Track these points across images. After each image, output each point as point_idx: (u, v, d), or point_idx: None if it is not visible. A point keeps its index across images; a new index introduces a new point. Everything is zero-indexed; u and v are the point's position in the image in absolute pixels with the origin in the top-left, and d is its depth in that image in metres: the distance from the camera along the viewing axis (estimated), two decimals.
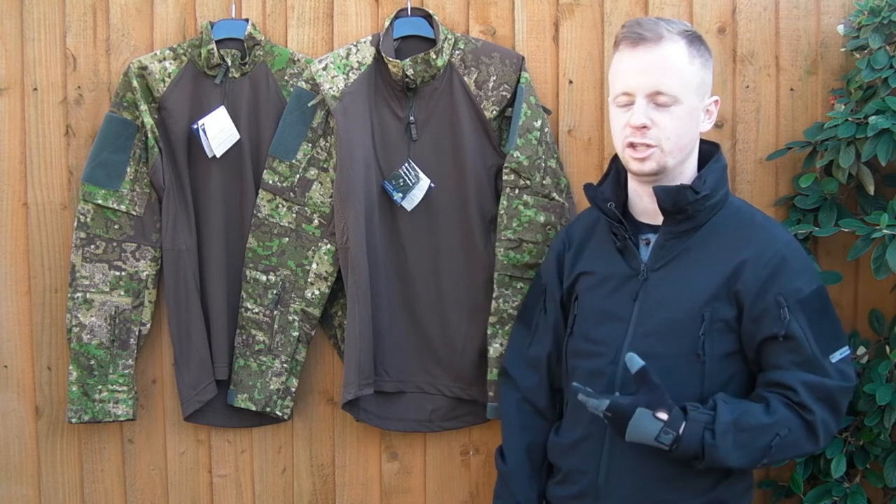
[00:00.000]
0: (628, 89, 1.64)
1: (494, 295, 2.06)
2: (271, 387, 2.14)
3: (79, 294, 2.13)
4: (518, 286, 2.06)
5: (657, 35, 1.62)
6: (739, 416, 1.58)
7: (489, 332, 2.07)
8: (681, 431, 1.56)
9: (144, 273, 2.15)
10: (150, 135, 2.11)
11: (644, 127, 1.62)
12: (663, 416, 1.57)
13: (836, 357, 1.62)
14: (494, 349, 2.07)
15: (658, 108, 1.62)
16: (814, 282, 1.65)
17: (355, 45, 2.10)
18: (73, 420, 2.13)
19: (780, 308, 1.61)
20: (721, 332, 1.64)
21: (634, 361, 1.60)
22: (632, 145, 1.65)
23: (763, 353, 1.64)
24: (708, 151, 1.74)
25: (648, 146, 1.63)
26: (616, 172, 1.79)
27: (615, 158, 1.78)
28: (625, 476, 1.68)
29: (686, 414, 1.57)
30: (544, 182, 2.07)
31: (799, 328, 1.61)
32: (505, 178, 2.06)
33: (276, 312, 2.13)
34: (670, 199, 1.64)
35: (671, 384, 1.62)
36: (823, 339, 1.62)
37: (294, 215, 2.13)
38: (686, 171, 1.70)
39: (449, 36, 2.09)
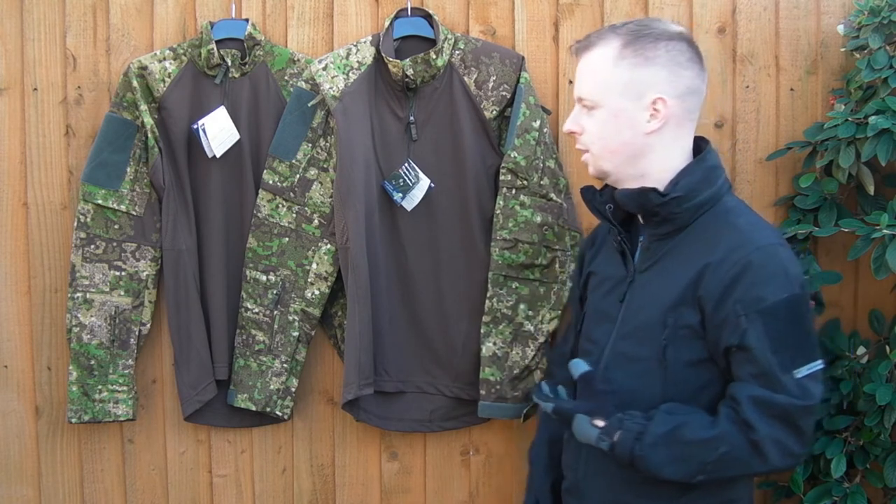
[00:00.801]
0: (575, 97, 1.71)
1: (488, 294, 2.06)
2: (271, 387, 2.14)
3: (79, 294, 2.13)
4: (513, 286, 2.06)
5: (588, 43, 1.65)
6: (676, 427, 1.53)
7: (482, 330, 2.07)
8: (615, 439, 1.54)
9: (144, 273, 2.15)
10: (150, 135, 2.11)
11: (571, 132, 1.68)
12: (600, 423, 1.56)
13: (802, 372, 1.52)
14: (487, 348, 2.07)
15: (585, 114, 1.65)
16: (783, 290, 1.53)
17: (355, 45, 2.10)
18: (73, 420, 2.13)
19: (738, 317, 1.52)
20: (687, 338, 1.58)
21: (578, 367, 1.61)
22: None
23: (728, 362, 1.57)
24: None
25: (583, 151, 1.67)
26: None
27: None
28: (597, 475, 1.69)
29: (622, 423, 1.56)
30: (542, 182, 2.07)
31: (755, 339, 1.51)
32: (502, 178, 2.06)
33: (276, 312, 2.13)
34: (633, 202, 1.62)
35: (641, 388, 1.61)
36: (787, 352, 1.52)
37: (294, 215, 2.13)
38: (651, 173, 1.64)
39: (449, 36, 2.09)
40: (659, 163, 1.64)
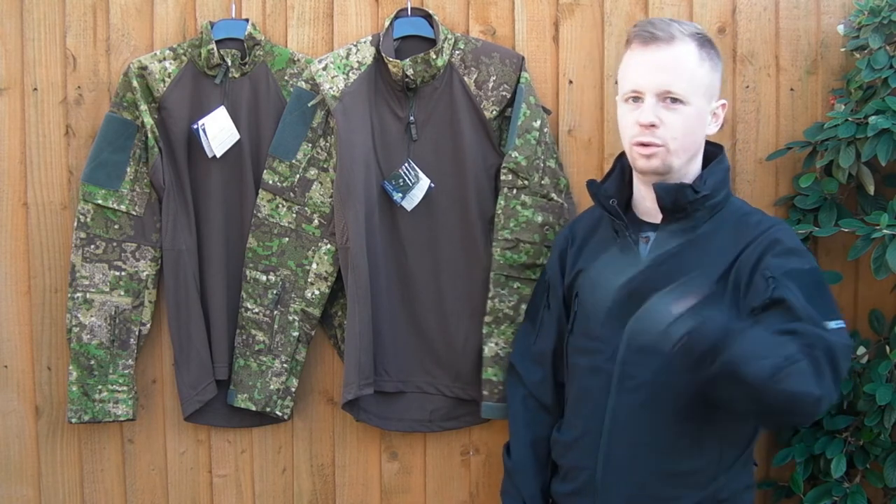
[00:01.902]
0: (638, 87, 1.66)
1: (490, 295, 2.06)
2: (271, 387, 2.14)
3: (79, 294, 2.13)
4: (515, 286, 2.06)
5: (669, 35, 1.64)
6: (754, 323, 1.49)
7: (484, 331, 2.07)
8: (703, 319, 1.44)
9: (144, 273, 2.15)
10: (150, 135, 2.11)
11: (652, 125, 1.63)
12: (685, 303, 1.46)
13: (832, 325, 1.54)
14: (489, 348, 2.07)
15: (667, 108, 1.64)
16: (806, 263, 1.62)
17: (355, 45, 2.10)
18: (73, 420, 2.13)
19: (766, 279, 1.56)
20: None
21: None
22: (639, 144, 1.66)
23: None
24: (711, 153, 1.75)
25: (655, 144, 1.64)
26: (620, 170, 1.80)
27: (620, 156, 1.80)
28: (622, 472, 1.68)
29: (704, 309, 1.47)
30: (543, 182, 2.07)
31: (789, 292, 1.52)
32: (503, 178, 2.06)
33: (276, 312, 2.13)
34: (670, 197, 1.65)
35: (667, 382, 1.62)
36: (817, 307, 1.53)
37: (294, 215, 2.13)
38: (690, 172, 1.71)
39: (449, 36, 2.09)
40: (697, 163, 1.72)
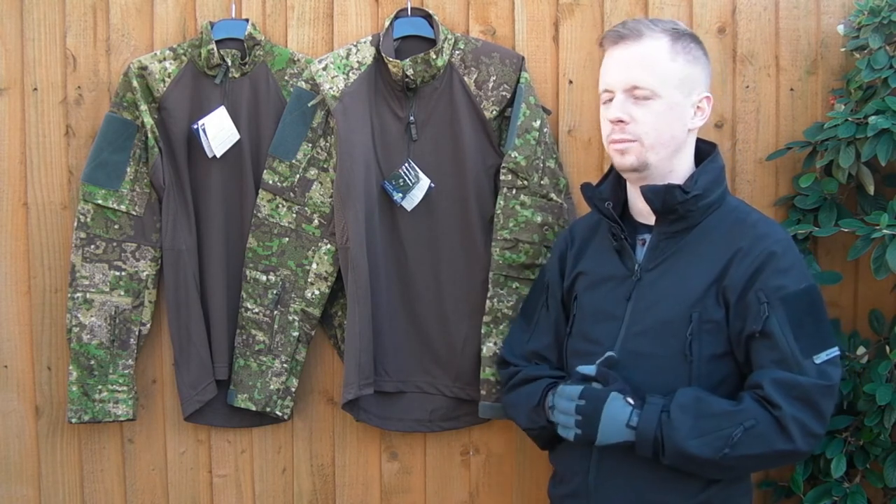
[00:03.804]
0: (608, 86, 1.68)
1: (489, 294, 2.06)
2: (271, 387, 2.14)
3: (79, 294, 2.13)
4: (514, 286, 2.06)
5: (636, 32, 1.65)
6: (699, 399, 1.57)
7: (483, 331, 2.07)
8: (640, 417, 1.57)
9: (144, 273, 2.15)
10: (150, 135, 2.11)
11: (621, 121, 1.65)
12: (631, 400, 1.59)
13: (820, 358, 1.58)
14: (488, 348, 2.07)
15: (636, 103, 1.64)
16: (802, 281, 1.61)
17: (355, 45, 2.10)
18: (73, 420, 2.13)
19: (761, 304, 1.59)
20: (710, 333, 1.62)
21: (585, 369, 1.64)
22: (613, 141, 1.67)
23: (749, 353, 1.62)
24: (705, 151, 1.74)
25: (628, 140, 1.65)
26: (616, 172, 1.79)
27: None
28: (614, 476, 1.68)
29: (645, 400, 1.60)
30: (542, 182, 2.07)
31: (777, 325, 1.57)
32: (502, 178, 2.06)
33: (276, 312, 2.13)
34: (658, 198, 1.64)
35: (661, 385, 1.62)
36: (806, 339, 1.58)
37: (294, 215, 2.13)
38: (678, 170, 1.69)
39: (449, 36, 2.09)
40: (685, 160, 1.71)
